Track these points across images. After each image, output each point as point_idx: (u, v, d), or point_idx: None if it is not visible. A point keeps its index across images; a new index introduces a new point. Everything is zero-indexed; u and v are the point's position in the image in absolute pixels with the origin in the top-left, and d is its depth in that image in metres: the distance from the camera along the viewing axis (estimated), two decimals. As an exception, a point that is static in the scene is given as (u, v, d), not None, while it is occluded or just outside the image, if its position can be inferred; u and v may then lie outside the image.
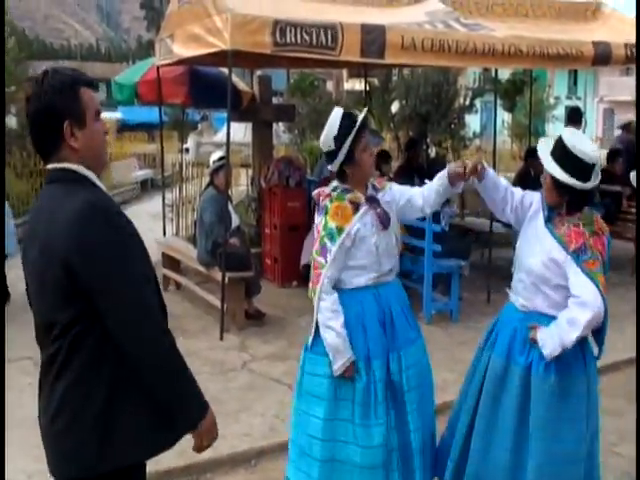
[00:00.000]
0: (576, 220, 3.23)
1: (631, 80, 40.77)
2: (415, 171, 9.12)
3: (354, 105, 17.34)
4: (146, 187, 20.12)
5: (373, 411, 3.37)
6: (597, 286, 3.07)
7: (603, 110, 42.12)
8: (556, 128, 32.12)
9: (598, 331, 3.25)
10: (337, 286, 3.45)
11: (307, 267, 8.05)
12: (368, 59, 6.59)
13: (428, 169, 9.26)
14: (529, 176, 9.00)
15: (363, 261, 3.43)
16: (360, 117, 3.48)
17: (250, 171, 11.05)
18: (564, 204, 3.27)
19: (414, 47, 6.51)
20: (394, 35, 6.41)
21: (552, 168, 3.21)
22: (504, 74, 22.66)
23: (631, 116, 14.78)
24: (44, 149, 2.33)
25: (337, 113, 3.50)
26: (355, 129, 3.41)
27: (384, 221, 3.49)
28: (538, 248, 3.29)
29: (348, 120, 3.45)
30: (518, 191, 3.54)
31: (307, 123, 17.34)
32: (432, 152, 14.98)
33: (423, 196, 3.58)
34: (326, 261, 3.36)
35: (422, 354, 3.64)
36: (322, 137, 3.52)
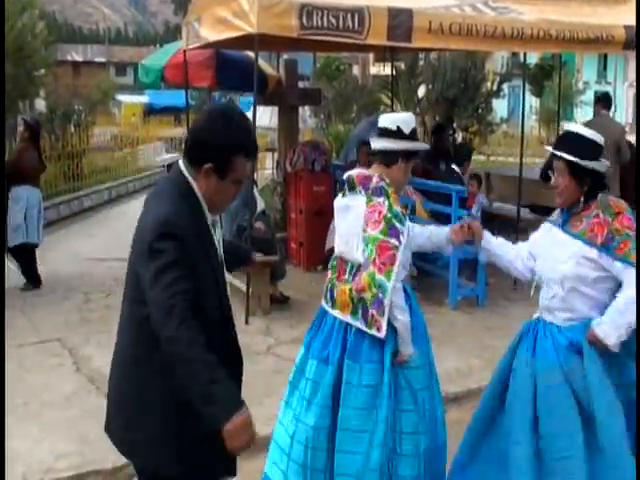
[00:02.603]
0: (594, 211, 3.15)
1: (662, 65, 40.19)
2: (441, 156, 9.06)
3: (380, 90, 17.29)
4: (173, 170, 20.18)
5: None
6: (633, 266, 3.03)
7: (634, 95, 41.50)
8: (585, 113, 31.72)
9: None
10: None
11: (331, 251, 8.13)
12: (395, 43, 6.55)
13: (455, 154, 9.19)
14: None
15: (407, 256, 3.40)
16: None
17: (275, 155, 11.06)
18: (581, 198, 3.18)
19: (441, 31, 6.44)
20: (421, 19, 6.35)
21: (572, 157, 3.11)
22: (532, 59, 22.44)
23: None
24: (192, 158, 2.50)
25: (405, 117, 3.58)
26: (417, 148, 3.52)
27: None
28: (564, 254, 3.19)
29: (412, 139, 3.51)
30: (523, 244, 3.54)
31: (333, 108, 17.31)
32: (459, 137, 14.90)
33: (413, 232, 3.52)
34: (399, 242, 3.27)
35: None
36: (406, 117, 3.55)
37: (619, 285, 3.12)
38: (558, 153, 3.16)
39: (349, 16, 6.07)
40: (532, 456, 3.14)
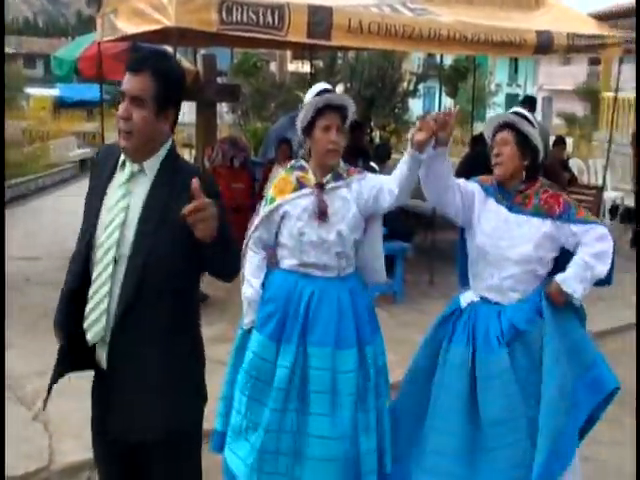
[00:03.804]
0: (541, 188, 3.30)
1: (570, 69, 41.59)
2: (359, 153, 9.11)
3: (298, 87, 17.29)
4: (85, 166, 19.71)
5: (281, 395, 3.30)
6: (599, 223, 3.26)
7: (542, 98, 42.82)
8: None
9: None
10: (277, 262, 3.45)
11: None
12: (314, 40, 6.54)
13: (375, 154, 9.25)
14: (476, 161, 9.09)
15: (286, 241, 3.40)
16: (332, 97, 3.37)
17: (193, 151, 10.92)
18: (522, 174, 3.30)
19: (360, 30, 6.49)
20: (341, 17, 6.37)
21: (525, 125, 3.26)
22: (447, 60, 22.83)
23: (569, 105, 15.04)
24: None
25: (317, 85, 3.46)
26: (320, 101, 3.32)
27: (321, 212, 3.33)
28: (521, 236, 3.26)
29: (325, 93, 3.36)
30: (461, 181, 3.47)
31: (251, 104, 17.21)
32: (376, 136, 15.05)
33: (387, 181, 3.42)
34: (254, 221, 3.45)
35: (343, 364, 3.35)
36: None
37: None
38: (516, 120, 3.28)
39: (269, 12, 6.04)
40: (464, 447, 3.21)
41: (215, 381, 5.43)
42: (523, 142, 3.29)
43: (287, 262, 3.40)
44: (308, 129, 3.37)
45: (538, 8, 8.44)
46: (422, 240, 8.71)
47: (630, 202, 11.35)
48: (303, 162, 3.46)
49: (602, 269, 3.21)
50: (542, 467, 3.09)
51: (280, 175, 3.47)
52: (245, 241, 3.45)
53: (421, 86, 16.70)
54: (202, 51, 11.19)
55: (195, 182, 2.28)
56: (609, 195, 10.99)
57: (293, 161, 3.55)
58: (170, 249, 2.48)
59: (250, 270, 3.44)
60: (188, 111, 15.28)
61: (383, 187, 3.40)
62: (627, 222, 10.58)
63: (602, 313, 7.12)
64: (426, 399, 3.41)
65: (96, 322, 2.53)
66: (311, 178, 3.41)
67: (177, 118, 2.66)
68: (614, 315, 7.30)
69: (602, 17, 14.35)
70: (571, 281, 3.21)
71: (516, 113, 3.36)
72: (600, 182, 10.78)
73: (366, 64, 14.43)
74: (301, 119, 3.37)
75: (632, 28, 17.00)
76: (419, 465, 3.36)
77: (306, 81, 13.76)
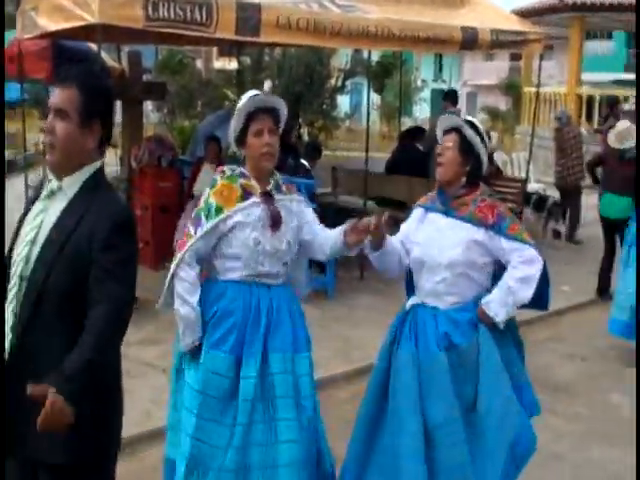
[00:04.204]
0: (479, 197, 3.30)
1: (492, 65, 42.46)
2: (288, 151, 9.06)
3: (225, 84, 17.13)
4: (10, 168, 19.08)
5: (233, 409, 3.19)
6: (529, 245, 3.21)
7: (467, 94, 43.60)
8: (423, 110, 32.99)
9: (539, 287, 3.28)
10: (212, 275, 3.31)
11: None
12: (243, 37, 6.47)
13: (305, 151, 9.22)
14: (405, 155, 9.19)
15: (237, 251, 3.23)
16: (264, 99, 3.30)
17: (119, 151, 10.68)
18: (462, 180, 3.31)
19: (289, 26, 6.45)
20: (270, 13, 6.31)
21: (470, 133, 3.29)
22: (375, 56, 23.01)
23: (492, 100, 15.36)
24: None
25: (249, 92, 3.34)
26: (249, 107, 3.23)
27: (274, 221, 3.26)
28: (451, 240, 3.27)
29: (251, 100, 3.26)
30: (402, 236, 3.51)
31: (177, 102, 16.97)
32: (304, 132, 15.03)
33: (320, 242, 3.41)
34: (195, 233, 3.22)
35: (301, 368, 3.33)
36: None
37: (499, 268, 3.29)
38: (462, 125, 3.31)
39: (197, 8, 5.93)
40: (418, 446, 3.20)
41: (144, 384, 5.37)
42: (466, 149, 3.30)
43: (238, 273, 3.26)
44: (241, 137, 3.28)
45: (463, 5, 8.56)
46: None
47: (551, 193, 11.63)
48: (242, 169, 3.33)
49: (526, 294, 3.18)
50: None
51: (221, 181, 3.29)
52: (178, 258, 3.21)
53: (349, 82, 16.76)
54: (126, 48, 10.94)
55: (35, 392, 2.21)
56: (532, 187, 11.22)
57: (227, 168, 3.36)
58: (68, 274, 2.40)
59: (185, 288, 3.20)
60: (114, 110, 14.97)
61: (316, 240, 3.42)
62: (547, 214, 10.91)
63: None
64: (382, 401, 3.41)
65: (7, 338, 2.46)
66: (255, 186, 3.30)
67: (108, 138, 2.58)
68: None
69: (524, 14, 14.63)
70: (494, 304, 3.21)
71: (466, 121, 3.40)
72: (523, 174, 11.00)
73: (294, 60, 14.38)
74: (234, 128, 3.27)
75: (552, 24, 17.47)
76: (375, 465, 3.36)
77: (233, 78, 13.64)
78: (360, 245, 3.32)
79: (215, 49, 25.76)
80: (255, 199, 3.26)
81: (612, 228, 7.54)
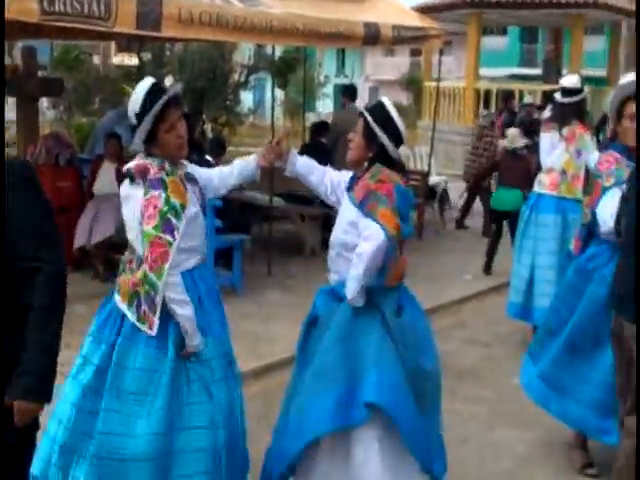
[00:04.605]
0: (366, 177, 3.35)
1: (393, 60, 43.13)
2: (192, 147, 8.94)
3: (124, 80, 16.81)
4: None
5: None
6: (375, 221, 3.18)
7: (369, 88, 44.14)
8: (326, 105, 33.22)
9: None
10: None
11: (82, 250, 7.75)
12: (144, 31, 6.32)
13: (211, 147, 9.15)
14: (315, 150, 9.22)
15: (194, 242, 3.24)
16: (170, 92, 3.21)
17: (13, 150, 10.32)
18: (366, 161, 3.39)
19: (191, 20, 6.36)
20: (171, 7, 6.21)
21: (373, 122, 3.35)
22: (277, 52, 23.00)
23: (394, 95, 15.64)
24: None
25: (144, 84, 3.22)
26: (158, 106, 3.13)
27: (204, 200, 3.35)
28: (341, 219, 3.41)
29: (155, 94, 3.15)
30: (335, 173, 3.59)
31: (74, 99, 16.55)
32: (208, 129, 14.90)
33: (220, 177, 3.51)
34: (174, 238, 3.10)
35: (229, 350, 3.45)
36: (128, 109, 3.26)
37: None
38: (364, 111, 3.42)
39: (94, 2, 5.76)
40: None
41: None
42: (369, 134, 3.38)
43: (192, 261, 3.25)
44: (151, 135, 3.19)
45: (365, 1, 8.67)
46: (259, 231, 8.73)
47: (453, 185, 11.93)
48: (165, 161, 3.24)
49: (359, 269, 3.18)
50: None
51: (170, 178, 3.16)
52: (166, 270, 3.08)
53: (252, 78, 16.71)
54: (19, 44, 10.59)
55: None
56: (433, 180, 11.49)
57: (158, 162, 3.20)
58: None
59: (179, 291, 3.13)
60: (9, 108, 14.48)
61: (210, 181, 3.49)
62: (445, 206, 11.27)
63: (434, 290, 7.48)
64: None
65: None
66: (181, 173, 3.29)
67: None
68: (446, 292, 7.65)
69: (424, 10, 14.94)
70: (348, 280, 3.24)
71: (375, 106, 3.46)
72: (425, 168, 11.24)
73: (196, 56, 14.21)
74: (143, 131, 3.17)
75: (451, 21, 17.91)
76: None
77: (133, 74, 13.39)
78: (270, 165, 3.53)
79: (113, 44, 25.21)
80: (189, 186, 3.27)
81: (502, 219, 8.31)
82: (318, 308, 3.45)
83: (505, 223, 8.36)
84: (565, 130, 6.08)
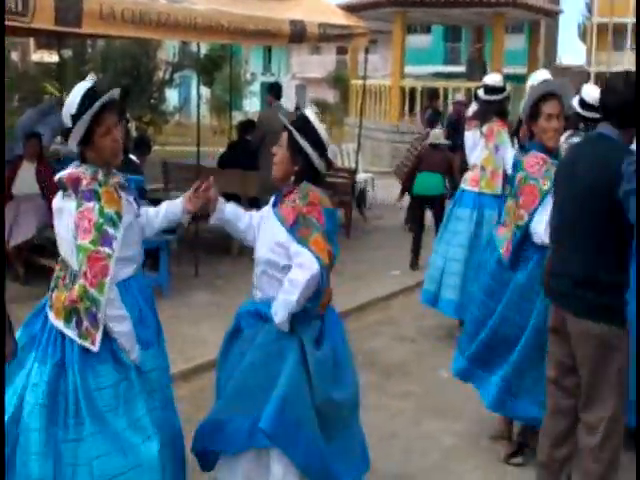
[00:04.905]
0: (294, 197, 3.30)
1: (320, 58, 43.29)
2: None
3: (44, 78, 16.39)
4: None
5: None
6: (309, 250, 3.17)
7: (296, 86, 44.20)
8: (253, 103, 33.12)
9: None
10: None
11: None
12: (63, 27, 6.16)
13: (135, 146, 9.00)
14: (241, 148, 9.19)
15: (129, 252, 3.18)
16: (107, 95, 3.14)
17: None
18: (291, 178, 3.34)
19: (113, 17, 6.24)
20: (92, 3, 6.08)
21: (298, 136, 3.30)
22: (203, 49, 22.80)
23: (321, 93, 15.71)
24: None
25: (81, 86, 3.14)
26: (94, 108, 3.06)
27: (138, 207, 3.27)
28: (267, 236, 3.34)
29: (92, 97, 3.09)
30: (257, 214, 3.53)
31: (-8, 96, 16.04)
32: (132, 127, 14.67)
33: (147, 217, 3.40)
34: (112, 250, 3.03)
35: (164, 361, 3.42)
36: (63, 111, 3.16)
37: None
38: (288, 125, 3.35)
39: (11, -4, 5.61)
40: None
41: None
42: (294, 147, 3.32)
43: (126, 271, 3.19)
44: (86, 138, 3.12)
45: (291, -1, 8.67)
46: (186, 231, 8.62)
47: (380, 182, 12.06)
48: (99, 169, 3.16)
49: (292, 297, 3.15)
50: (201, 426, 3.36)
51: (103, 189, 3.09)
52: (107, 285, 3.02)
53: (177, 75, 16.53)
54: None
55: None
56: (360, 177, 11.59)
57: (90, 171, 3.12)
58: None
59: (118, 306, 3.09)
60: None
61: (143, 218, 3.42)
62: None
63: (362, 288, 7.53)
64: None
65: None
66: (116, 181, 3.22)
67: None
68: (373, 289, 7.70)
69: (349, 8, 15.01)
70: (276, 304, 3.24)
71: (299, 119, 3.41)
72: (353, 165, 11.31)
73: (119, 53, 13.97)
74: (78, 132, 3.09)
75: (376, 19, 18.06)
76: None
77: (53, 71, 13.07)
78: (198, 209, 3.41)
79: (32, 40, 24.57)
80: (123, 193, 3.21)
81: (424, 205, 8.59)
82: (242, 321, 3.41)
83: (432, 219, 8.53)
84: (485, 127, 6.23)
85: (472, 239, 6.15)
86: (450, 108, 12.33)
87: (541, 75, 4.35)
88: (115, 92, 3.24)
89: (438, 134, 8.81)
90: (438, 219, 8.11)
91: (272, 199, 3.44)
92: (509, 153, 5.88)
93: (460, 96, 11.35)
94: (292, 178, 3.34)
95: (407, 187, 8.90)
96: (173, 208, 3.45)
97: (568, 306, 3.45)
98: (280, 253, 3.26)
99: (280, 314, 3.20)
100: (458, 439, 4.65)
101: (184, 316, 6.62)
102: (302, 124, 3.36)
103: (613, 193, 3.20)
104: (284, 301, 3.18)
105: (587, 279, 3.35)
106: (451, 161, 8.46)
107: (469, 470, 4.31)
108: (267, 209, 3.46)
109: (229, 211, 3.51)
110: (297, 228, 3.21)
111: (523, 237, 4.08)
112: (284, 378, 3.19)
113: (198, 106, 8.68)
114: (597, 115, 5.09)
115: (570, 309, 3.43)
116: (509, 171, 5.82)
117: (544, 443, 3.72)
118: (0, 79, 6.83)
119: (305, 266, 3.14)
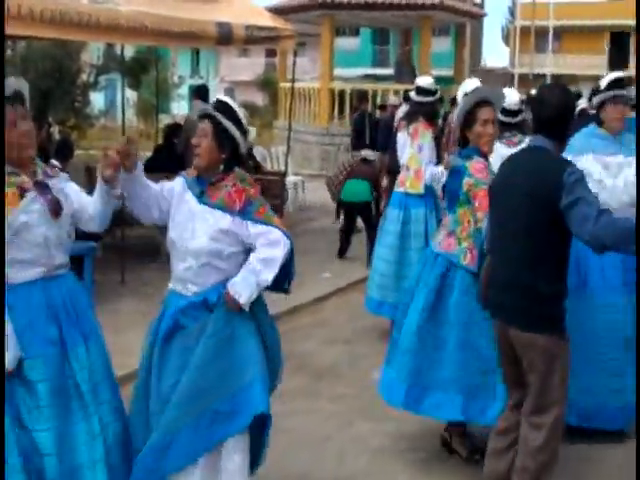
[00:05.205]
0: (232, 181, 3.29)
1: (249, 61, 43.14)
2: (37, 151, 8.56)
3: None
4: None
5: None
6: (276, 227, 3.23)
7: (224, 89, 43.95)
8: (181, 107, 32.76)
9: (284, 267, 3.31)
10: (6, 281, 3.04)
11: None
12: (-21, 28, 5.98)
13: (57, 151, 8.79)
14: (167, 152, 9.05)
15: (29, 255, 3.06)
16: (9, 88, 3.06)
17: None
18: (220, 166, 3.30)
19: (32, 17, 6.05)
20: (10, 3, 5.85)
21: (224, 119, 3.26)
22: (129, 51, 22.45)
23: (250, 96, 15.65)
24: None
25: None
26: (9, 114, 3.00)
27: (56, 209, 3.12)
28: (201, 227, 3.26)
29: None
30: (160, 185, 3.43)
31: None
32: (55, 131, 14.33)
33: (81, 204, 3.29)
34: None
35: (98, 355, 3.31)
36: None
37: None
38: (213, 112, 3.27)
39: None
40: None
41: None
42: (221, 134, 3.28)
43: (29, 273, 3.07)
44: None
45: (218, 0, 8.57)
46: (111, 238, 8.41)
47: (308, 185, 12.08)
48: (9, 166, 3.07)
49: (267, 276, 3.21)
50: (142, 458, 3.20)
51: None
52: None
53: (102, 78, 16.21)
54: None
55: None
56: (290, 180, 11.57)
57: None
58: None
59: None
60: None
61: (84, 209, 3.29)
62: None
63: (294, 290, 7.45)
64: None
65: None
66: (25, 179, 3.09)
67: None
68: (305, 291, 7.67)
69: (277, 11, 14.97)
70: (238, 285, 3.22)
71: (219, 104, 3.35)
72: (282, 168, 11.29)
73: (40, 54, 13.60)
74: None
75: (304, 22, 18.08)
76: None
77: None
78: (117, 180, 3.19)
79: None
80: (32, 194, 3.08)
81: (353, 211, 8.89)
82: (181, 319, 3.30)
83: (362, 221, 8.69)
84: (411, 127, 6.31)
85: (400, 239, 6.21)
86: (377, 112, 12.40)
87: (472, 83, 4.43)
88: (17, 83, 3.15)
89: (370, 153, 9.22)
90: (369, 225, 8.44)
91: (194, 191, 3.33)
92: (425, 156, 5.98)
93: (394, 98, 11.46)
94: (221, 167, 3.31)
95: (339, 204, 9.08)
96: (98, 190, 3.26)
97: (510, 318, 3.46)
98: (224, 241, 3.24)
99: (246, 295, 3.20)
100: (387, 440, 4.65)
101: (109, 325, 6.38)
102: (223, 108, 3.32)
103: (552, 204, 3.23)
104: (256, 282, 3.20)
105: (527, 290, 3.36)
106: (378, 174, 8.81)
107: (398, 471, 4.31)
108: (179, 195, 3.36)
109: (141, 174, 3.33)
110: (252, 210, 3.24)
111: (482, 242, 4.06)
112: (254, 360, 3.26)
113: (123, 110, 8.53)
114: (515, 120, 5.28)
115: (512, 321, 3.44)
116: (426, 172, 5.94)
117: (491, 456, 3.70)
118: (0, 78, 6.61)
119: (279, 243, 3.22)
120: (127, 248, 7.89)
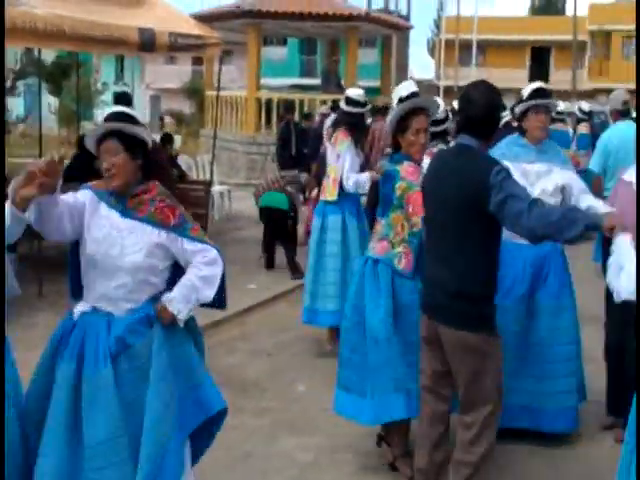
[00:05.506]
0: (158, 197, 3.20)
1: (175, 68, 42.68)
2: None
3: None
4: None
5: None
6: (211, 245, 3.24)
7: (150, 97, 43.37)
8: (104, 114, 32.15)
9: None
10: None
11: None
12: None
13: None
14: (84, 161, 8.80)
15: None
16: None
17: None
18: (139, 175, 3.20)
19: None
20: None
21: (129, 128, 3.15)
22: (49, 56, 21.91)
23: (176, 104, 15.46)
24: None
25: None
26: None
27: None
28: (133, 243, 3.12)
29: None
30: (73, 197, 3.20)
31: None
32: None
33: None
34: None
35: None
36: None
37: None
38: (115, 128, 3.14)
39: None
40: (63, 468, 3.04)
41: None
42: (131, 145, 3.15)
43: None
44: None
45: (140, 6, 8.41)
46: (28, 250, 8.09)
47: (235, 195, 11.96)
48: None
49: (208, 293, 3.22)
50: None
51: None
52: None
53: (21, 83, 15.76)
54: None
55: None
56: (215, 189, 11.43)
57: None
58: None
59: None
60: None
61: None
62: None
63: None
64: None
65: None
66: None
67: None
68: (229, 303, 7.52)
69: (203, 19, 14.77)
70: (176, 302, 3.14)
71: (118, 115, 3.21)
72: (208, 177, 11.14)
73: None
74: None
75: (231, 30, 17.95)
76: None
77: None
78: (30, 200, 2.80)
79: None
80: None
81: (270, 218, 8.94)
82: (128, 338, 3.13)
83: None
84: (333, 137, 6.32)
85: (319, 246, 6.23)
86: (304, 122, 12.39)
87: (409, 86, 4.36)
88: None
89: (303, 175, 9.48)
90: (283, 234, 8.73)
91: (110, 204, 3.19)
92: (346, 163, 5.96)
93: (325, 109, 11.51)
94: (139, 174, 3.21)
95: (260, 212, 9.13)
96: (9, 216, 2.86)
97: (442, 318, 3.49)
98: (159, 255, 3.18)
99: (185, 312, 3.17)
100: (314, 454, 4.58)
101: (26, 340, 6.17)
102: (123, 117, 3.20)
103: (479, 204, 3.27)
104: (197, 299, 3.20)
105: (459, 292, 3.40)
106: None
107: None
108: (92, 209, 3.18)
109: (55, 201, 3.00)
110: (188, 227, 3.21)
111: (421, 243, 4.03)
112: (196, 361, 3.32)
113: (40, 116, 8.29)
114: (439, 128, 5.35)
115: (444, 320, 3.47)
116: (349, 179, 5.92)
117: (423, 448, 3.74)
118: (0, 78, 6.26)
119: (217, 261, 3.23)
120: (44, 259, 7.59)
